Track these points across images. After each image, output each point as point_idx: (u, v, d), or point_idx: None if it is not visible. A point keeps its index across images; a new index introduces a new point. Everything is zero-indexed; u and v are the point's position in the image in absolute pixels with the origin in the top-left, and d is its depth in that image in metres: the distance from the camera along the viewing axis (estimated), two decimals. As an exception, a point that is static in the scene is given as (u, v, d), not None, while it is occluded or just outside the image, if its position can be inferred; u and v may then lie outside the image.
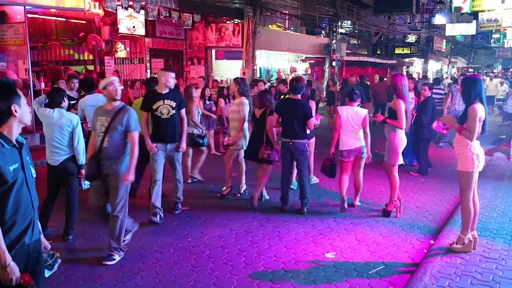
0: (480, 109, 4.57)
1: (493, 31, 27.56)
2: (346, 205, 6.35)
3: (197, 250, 5.08)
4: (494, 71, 46.15)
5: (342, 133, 6.29)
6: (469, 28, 27.72)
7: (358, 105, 6.50)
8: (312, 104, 7.63)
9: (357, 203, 6.72)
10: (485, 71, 41.73)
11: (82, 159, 5.37)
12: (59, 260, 2.98)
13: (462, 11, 22.53)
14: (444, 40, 38.80)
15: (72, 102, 7.63)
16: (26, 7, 10.60)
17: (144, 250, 5.07)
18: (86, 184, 5.65)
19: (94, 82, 7.94)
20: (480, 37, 32.68)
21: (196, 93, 8.92)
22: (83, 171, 5.41)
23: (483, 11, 20.33)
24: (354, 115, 6.27)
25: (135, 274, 4.50)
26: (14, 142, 2.52)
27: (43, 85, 11.68)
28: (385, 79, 18.97)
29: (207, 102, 10.15)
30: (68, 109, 7.37)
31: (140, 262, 4.76)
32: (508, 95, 16.23)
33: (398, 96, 6.00)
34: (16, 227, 2.48)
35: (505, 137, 12.70)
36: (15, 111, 2.50)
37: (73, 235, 5.40)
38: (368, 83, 19.43)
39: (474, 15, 23.95)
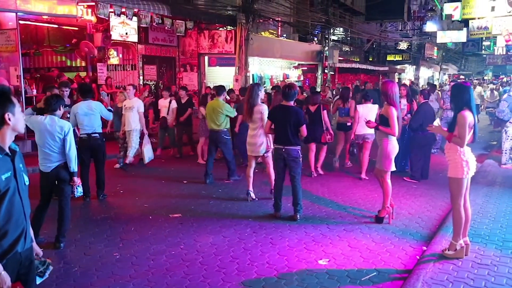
0: (469, 116, 4.61)
1: (484, 38, 27.85)
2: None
3: (190, 257, 5.05)
4: (485, 78, 46.62)
5: (359, 124, 8.54)
6: (460, 36, 28.02)
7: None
8: (352, 104, 9.75)
9: (363, 176, 8.80)
10: (475, 78, 42.13)
11: (74, 166, 5.36)
12: (51, 267, 2.96)
13: (453, 19, 22.78)
14: (436, 47, 39.18)
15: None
16: (18, 13, 10.57)
17: (136, 258, 5.04)
18: (78, 191, 5.63)
19: (91, 89, 7.90)
20: (470, 44, 33.05)
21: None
22: (75, 179, 5.41)
23: (473, 18, 20.54)
24: (368, 111, 8.60)
25: (127, 282, 4.47)
26: (7, 150, 2.50)
27: (35, 91, 11.63)
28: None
29: None
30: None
31: (132, 270, 4.73)
32: (499, 101, 16.38)
33: (389, 103, 6.02)
34: (8, 236, 2.46)
35: (496, 144, 12.80)
36: (9, 119, 2.48)
37: (64, 242, 5.36)
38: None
39: (464, 22, 24.22)
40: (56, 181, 5.36)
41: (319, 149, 9.30)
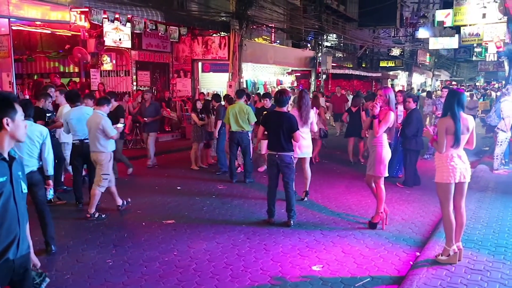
0: (447, 122, 4.67)
1: (475, 45, 28.08)
2: None
3: (183, 264, 5.03)
4: (477, 84, 46.97)
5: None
6: (452, 42, 28.25)
7: None
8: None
9: None
10: (468, 84, 42.37)
11: (51, 170, 5.42)
12: (48, 280, 2.89)
13: (444, 25, 22.94)
14: (428, 54, 39.52)
15: (48, 115, 7.49)
16: (11, 19, 10.52)
17: (129, 264, 5.01)
18: (50, 194, 5.61)
19: (79, 94, 7.87)
20: (462, 50, 33.34)
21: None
22: (50, 182, 5.46)
23: (465, 25, 20.70)
24: None
25: (120, 289, 4.44)
26: (4, 155, 2.48)
27: (27, 97, 11.56)
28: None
29: (200, 116, 10.13)
30: (47, 125, 7.28)
31: (125, 277, 4.70)
32: (491, 108, 16.46)
33: (389, 109, 6.03)
34: None
35: (488, 149, 12.87)
36: (7, 124, 2.47)
37: (55, 244, 5.32)
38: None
39: (456, 29, 24.43)
40: (30, 186, 5.35)
41: (359, 142, 11.14)
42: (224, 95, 11.93)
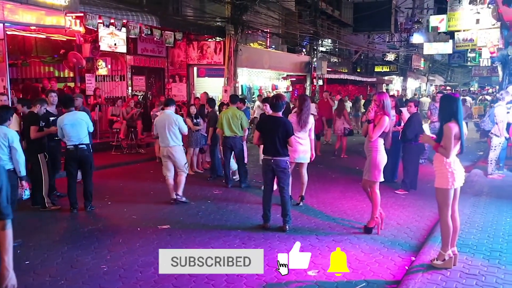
0: (454, 128, 4.66)
1: (469, 50, 28.29)
2: None
3: (178, 269, 5.00)
4: (471, 88, 47.26)
5: None
6: (446, 47, 28.45)
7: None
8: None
9: None
10: (460, 89, 42.59)
11: (23, 171, 5.61)
12: None
13: (438, 31, 23.11)
14: (422, 59, 39.76)
15: (51, 118, 7.52)
16: (6, 24, 10.50)
17: (124, 270, 4.98)
18: (26, 194, 5.72)
19: (72, 99, 7.86)
20: (456, 56, 33.56)
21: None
22: (24, 183, 5.65)
23: (458, 31, 20.86)
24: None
25: (115, 295, 4.41)
26: None
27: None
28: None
29: (195, 120, 10.11)
30: (48, 126, 7.31)
31: (120, 282, 4.68)
32: (485, 113, 16.53)
33: (384, 113, 6.06)
34: None
35: (482, 154, 12.92)
36: None
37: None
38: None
39: (450, 34, 24.61)
40: None
41: None
42: (220, 103, 11.84)
